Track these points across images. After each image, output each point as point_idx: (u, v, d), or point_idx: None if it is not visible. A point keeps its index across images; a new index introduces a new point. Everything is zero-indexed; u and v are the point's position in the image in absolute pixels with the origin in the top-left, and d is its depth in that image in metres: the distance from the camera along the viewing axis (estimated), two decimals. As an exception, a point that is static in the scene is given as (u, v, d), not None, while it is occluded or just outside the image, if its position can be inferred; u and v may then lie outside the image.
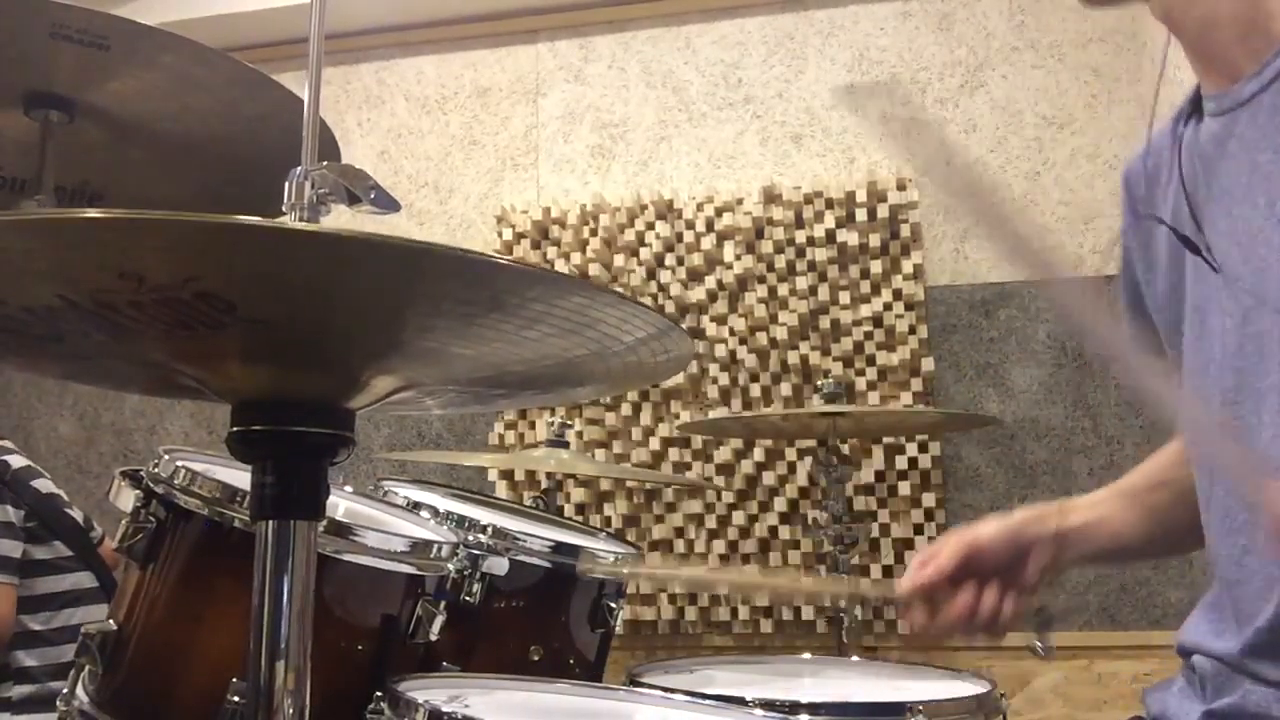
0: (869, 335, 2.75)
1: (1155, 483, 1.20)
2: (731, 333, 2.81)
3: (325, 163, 0.79)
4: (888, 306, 2.75)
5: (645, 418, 2.83)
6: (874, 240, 2.77)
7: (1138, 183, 1.14)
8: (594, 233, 2.93)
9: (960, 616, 1.09)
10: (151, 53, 1.21)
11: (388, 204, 0.79)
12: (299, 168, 0.80)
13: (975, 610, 1.09)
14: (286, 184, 0.79)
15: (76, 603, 2.08)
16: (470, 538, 1.31)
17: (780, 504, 2.72)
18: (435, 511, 1.38)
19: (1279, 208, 0.89)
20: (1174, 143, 1.06)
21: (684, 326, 2.74)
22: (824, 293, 2.78)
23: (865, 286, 2.77)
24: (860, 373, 2.74)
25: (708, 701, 1.16)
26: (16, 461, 2.14)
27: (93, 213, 0.53)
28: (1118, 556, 1.25)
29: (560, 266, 2.93)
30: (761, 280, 2.81)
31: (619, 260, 2.91)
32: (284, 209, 0.79)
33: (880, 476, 2.70)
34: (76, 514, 2.20)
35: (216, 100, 1.29)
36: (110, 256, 0.57)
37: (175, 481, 1.13)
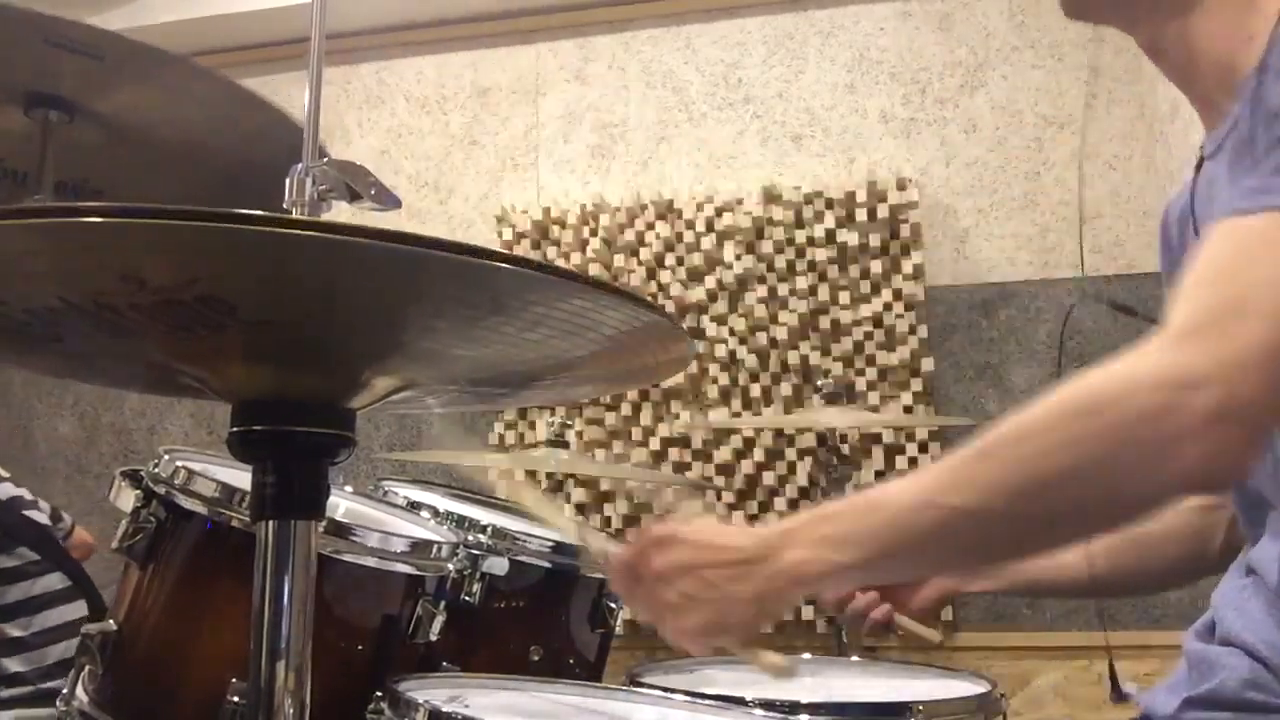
0: (869, 335, 2.75)
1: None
2: (731, 333, 2.81)
3: (326, 159, 0.79)
4: (888, 306, 2.75)
5: (645, 418, 2.83)
6: (874, 240, 2.76)
7: (1172, 222, 1.13)
8: (594, 233, 2.93)
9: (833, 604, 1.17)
10: (145, 66, 1.22)
11: (388, 200, 0.79)
12: (300, 164, 0.80)
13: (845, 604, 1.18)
14: (287, 180, 0.79)
15: (50, 605, 2.08)
16: (470, 538, 1.31)
17: (780, 504, 2.72)
18: (435, 511, 1.38)
19: None
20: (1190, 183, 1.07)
21: (684, 326, 2.74)
22: (824, 293, 2.78)
23: (865, 286, 2.77)
24: (860, 373, 2.74)
25: (708, 701, 1.16)
26: None
27: (94, 215, 0.53)
28: (1051, 589, 1.30)
29: (560, 266, 2.92)
30: (761, 280, 2.81)
31: (619, 260, 2.91)
32: (285, 205, 0.79)
33: (880, 476, 2.70)
34: (40, 513, 2.19)
35: (210, 113, 1.30)
36: (111, 259, 0.57)
37: (175, 481, 1.13)
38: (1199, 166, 1.03)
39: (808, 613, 2.68)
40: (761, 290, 2.81)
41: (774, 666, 0.90)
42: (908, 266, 2.75)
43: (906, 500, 0.82)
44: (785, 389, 2.77)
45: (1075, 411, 0.78)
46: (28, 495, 2.19)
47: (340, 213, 0.81)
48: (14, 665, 2.03)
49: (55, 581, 2.10)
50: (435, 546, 1.20)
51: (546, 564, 1.39)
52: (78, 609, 2.05)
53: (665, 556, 0.88)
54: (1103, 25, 1.04)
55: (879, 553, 0.83)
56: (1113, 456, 0.75)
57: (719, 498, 2.76)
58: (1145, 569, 1.24)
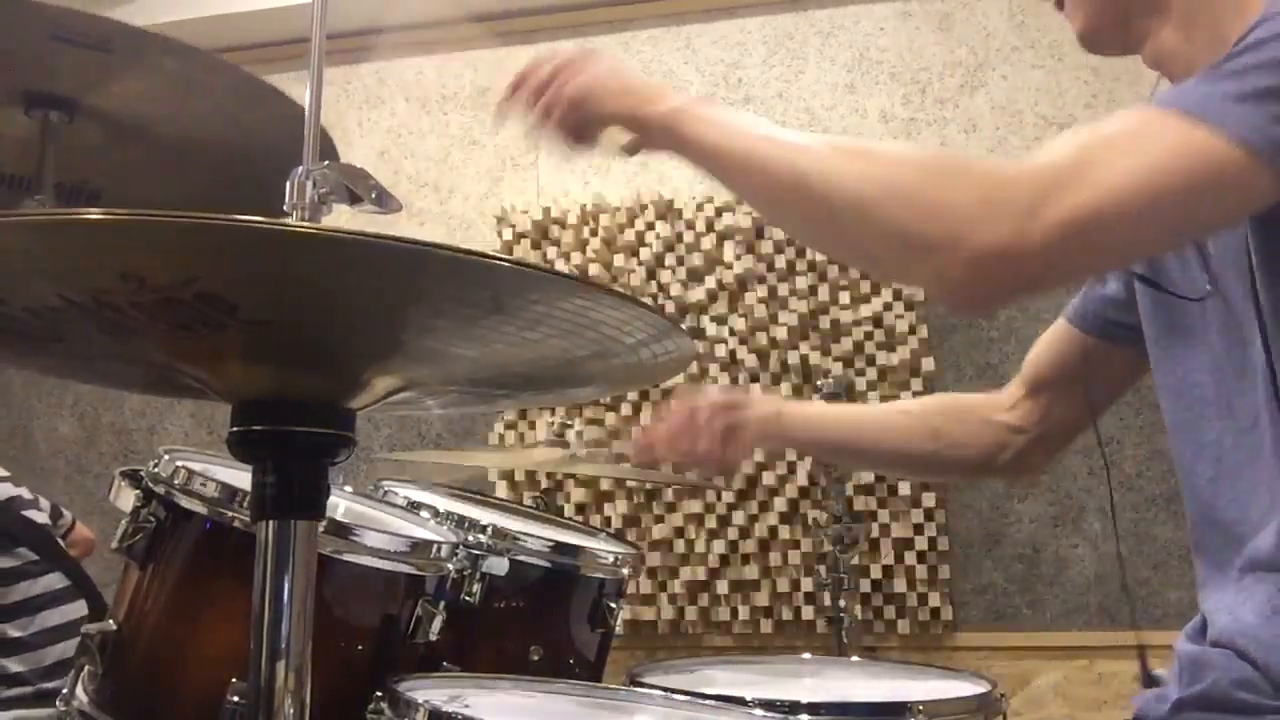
0: (869, 335, 2.75)
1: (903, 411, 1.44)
2: (731, 333, 2.81)
3: (327, 162, 0.79)
4: (888, 306, 2.75)
5: (645, 418, 2.83)
6: (874, 240, 2.76)
7: None
8: (594, 233, 2.94)
9: (657, 442, 1.39)
10: (154, 57, 1.22)
11: (389, 204, 0.79)
12: (300, 167, 0.80)
13: (671, 443, 1.38)
14: (288, 183, 0.79)
15: (51, 604, 2.07)
16: (470, 538, 1.31)
17: (780, 504, 2.72)
18: (435, 511, 1.38)
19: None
20: None
21: (684, 326, 2.74)
22: (824, 293, 2.78)
23: (865, 286, 2.77)
24: (860, 373, 2.74)
25: (708, 701, 1.16)
26: None
27: (94, 214, 0.53)
28: (854, 458, 1.57)
29: (560, 267, 2.93)
30: (761, 280, 2.81)
31: (619, 260, 2.91)
32: (285, 208, 0.79)
33: (880, 476, 2.70)
34: (40, 512, 2.18)
35: (216, 105, 1.30)
36: (111, 257, 0.57)
37: (175, 481, 1.13)
38: None
39: (808, 613, 2.69)
40: (761, 290, 2.81)
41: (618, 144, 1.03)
42: (908, 266, 2.75)
43: (760, 129, 0.93)
44: (785, 389, 2.77)
45: (922, 160, 0.87)
46: (27, 494, 2.18)
47: (340, 215, 0.81)
48: (14, 666, 2.02)
49: (55, 581, 2.10)
50: (435, 546, 1.20)
51: (546, 564, 1.39)
52: (78, 609, 2.04)
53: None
54: (1114, 55, 1.10)
55: (707, 148, 0.94)
56: (903, 211, 0.83)
57: (719, 498, 2.76)
58: (955, 448, 1.35)
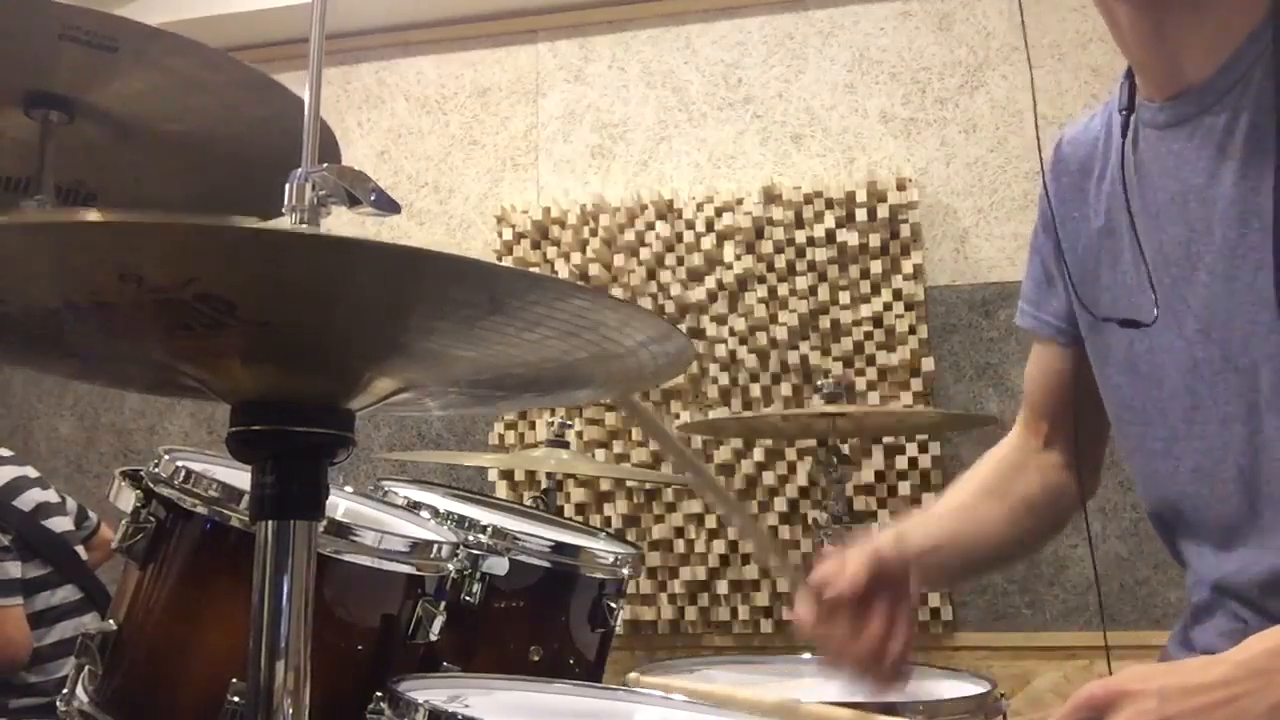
0: (869, 335, 2.75)
1: (985, 494, 1.23)
2: (731, 333, 2.81)
3: (325, 165, 0.79)
4: (888, 306, 2.75)
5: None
6: (874, 240, 2.77)
7: (1073, 156, 1.13)
8: (594, 233, 2.94)
9: (870, 644, 1.08)
10: (158, 55, 1.21)
11: (388, 206, 0.79)
12: (299, 170, 0.79)
13: (885, 638, 1.07)
14: (287, 186, 0.79)
15: (67, 616, 2.07)
16: (470, 538, 1.31)
17: (780, 504, 2.72)
18: (435, 511, 1.38)
19: (1215, 235, 0.91)
20: (1106, 138, 1.06)
21: (684, 327, 2.74)
22: (824, 293, 2.78)
23: (865, 286, 2.77)
24: (860, 373, 2.74)
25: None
26: None
27: (93, 216, 0.53)
28: (979, 568, 1.27)
29: (560, 266, 2.93)
30: (761, 280, 2.81)
31: (619, 260, 2.91)
32: (284, 211, 0.79)
33: (880, 476, 2.70)
34: (65, 516, 2.16)
35: (219, 102, 1.29)
36: (110, 258, 0.57)
37: (175, 481, 1.13)
38: (1127, 129, 1.01)
39: (808, 613, 2.68)
40: (761, 290, 2.81)
41: None
42: (908, 266, 2.75)
43: None
44: (785, 389, 2.77)
45: None
46: (54, 498, 2.16)
47: (340, 216, 0.81)
48: (29, 676, 2.02)
49: (72, 593, 2.10)
50: (435, 546, 1.20)
51: (546, 564, 1.39)
52: (92, 621, 2.04)
53: (1126, 713, 0.76)
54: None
55: None
56: None
57: (719, 498, 2.76)
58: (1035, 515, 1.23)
